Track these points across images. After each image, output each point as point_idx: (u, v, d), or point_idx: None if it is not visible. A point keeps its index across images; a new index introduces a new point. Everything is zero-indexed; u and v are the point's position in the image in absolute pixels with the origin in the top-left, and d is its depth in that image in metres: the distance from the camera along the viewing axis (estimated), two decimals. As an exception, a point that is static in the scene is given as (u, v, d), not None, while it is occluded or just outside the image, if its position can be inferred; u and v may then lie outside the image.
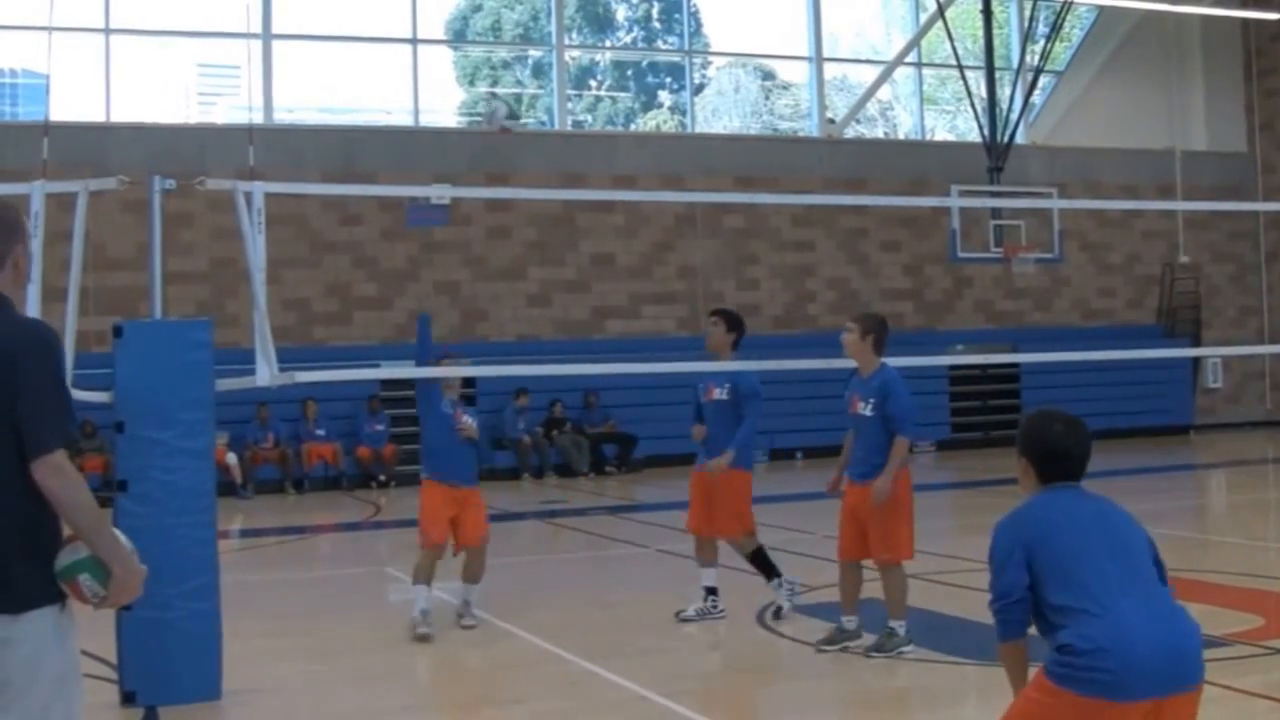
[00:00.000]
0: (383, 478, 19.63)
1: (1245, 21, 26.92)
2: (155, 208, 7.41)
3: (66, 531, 3.47)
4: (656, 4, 25.55)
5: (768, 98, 26.36)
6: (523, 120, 23.32)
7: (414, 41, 22.58)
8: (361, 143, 21.64)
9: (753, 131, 25.58)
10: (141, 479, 6.86)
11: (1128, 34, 26.76)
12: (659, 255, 23.06)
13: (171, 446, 6.91)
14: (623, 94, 25.66)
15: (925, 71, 26.45)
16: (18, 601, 3.37)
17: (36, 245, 6.32)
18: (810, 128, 25.19)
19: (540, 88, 24.39)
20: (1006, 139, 23.63)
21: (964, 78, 23.80)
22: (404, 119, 22.82)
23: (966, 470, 20.53)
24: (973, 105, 23.88)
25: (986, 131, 23.69)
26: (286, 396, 18.08)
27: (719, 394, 8.60)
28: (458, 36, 24.67)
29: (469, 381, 18.64)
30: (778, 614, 8.63)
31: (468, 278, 21.91)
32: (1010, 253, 22.65)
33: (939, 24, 23.85)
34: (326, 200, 20.63)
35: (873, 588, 7.82)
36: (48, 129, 10.69)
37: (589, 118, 25.09)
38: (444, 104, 24.27)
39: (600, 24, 25.35)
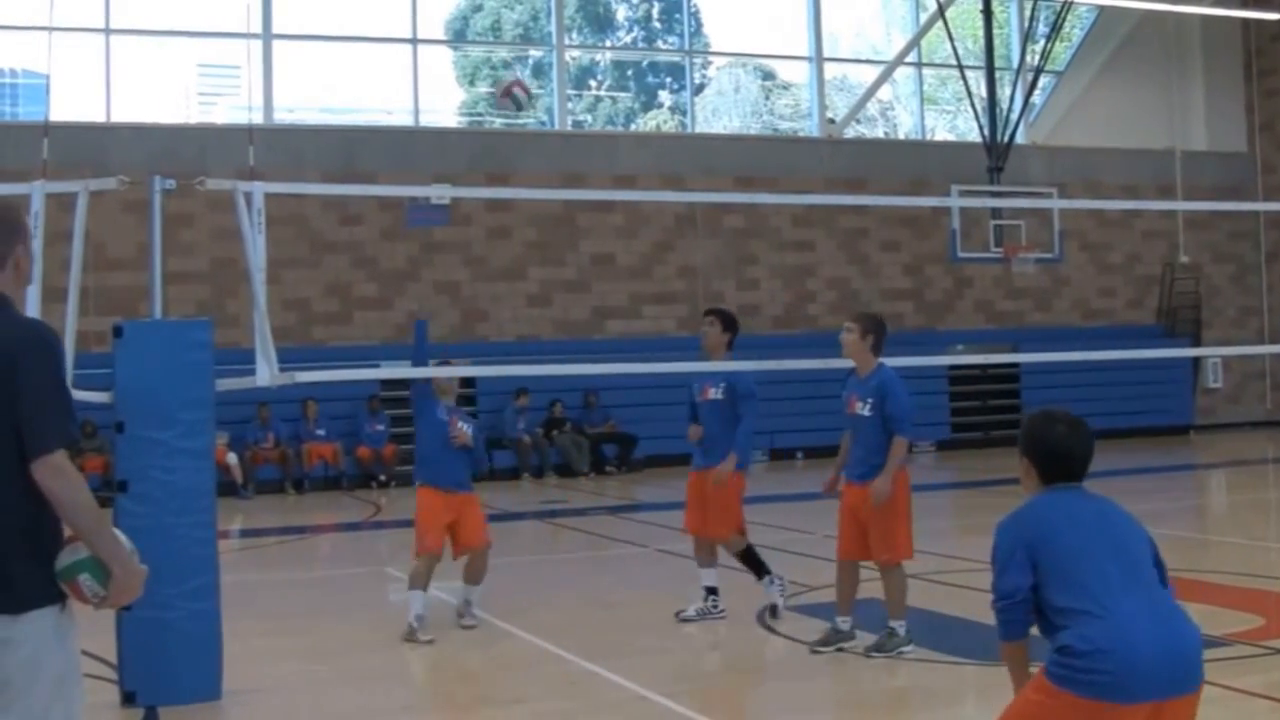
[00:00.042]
0: (383, 478, 19.63)
1: (1245, 21, 26.91)
2: (155, 208, 7.41)
3: (67, 532, 3.47)
4: (656, 4, 25.54)
5: (768, 98, 26.35)
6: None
7: (414, 41, 22.58)
8: (361, 143, 21.64)
9: (753, 131, 25.57)
10: (141, 479, 6.86)
11: (1128, 34, 26.75)
12: (659, 255, 23.06)
13: (171, 446, 6.90)
14: (623, 94, 25.66)
15: (925, 71, 26.44)
16: (18, 602, 3.37)
17: (37, 245, 6.31)
18: (810, 128, 25.19)
19: (540, 88, 24.37)
20: (1007, 139, 23.63)
21: (964, 78, 23.80)
22: (404, 119, 22.82)
23: (966, 470, 20.53)
24: (973, 105, 23.88)
25: (987, 131, 23.68)
26: (287, 396, 18.08)
27: (714, 394, 8.57)
28: (458, 36, 24.67)
29: (469, 382, 18.69)
30: (774, 612, 8.62)
31: (468, 278, 21.91)
32: (1010, 253, 22.64)
33: (939, 24, 23.84)
34: (326, 200, 20.64)
35: (873, 588, 7.82)
36: (48, 129, 10.67)
37: (589, 118, 25.09)
38: (444, 104, 24.29)
39: (600, 24, 25.35)
